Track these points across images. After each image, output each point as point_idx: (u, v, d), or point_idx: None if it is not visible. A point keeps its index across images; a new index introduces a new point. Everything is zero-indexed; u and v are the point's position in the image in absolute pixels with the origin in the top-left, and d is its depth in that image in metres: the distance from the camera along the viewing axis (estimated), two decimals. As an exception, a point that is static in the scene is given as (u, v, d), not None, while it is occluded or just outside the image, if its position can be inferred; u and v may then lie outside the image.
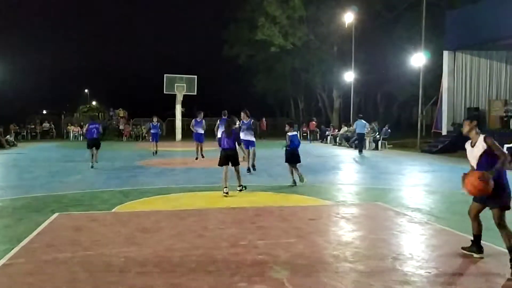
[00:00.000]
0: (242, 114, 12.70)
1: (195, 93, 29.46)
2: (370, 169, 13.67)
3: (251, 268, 4.40)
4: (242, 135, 11.42)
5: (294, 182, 9.65)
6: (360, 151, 18.61)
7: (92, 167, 13.18)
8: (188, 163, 15.20)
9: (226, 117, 12.93)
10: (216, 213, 6.98)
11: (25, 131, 32.47)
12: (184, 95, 30.00)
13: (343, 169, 14.09)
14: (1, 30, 37.16)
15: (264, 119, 33.72)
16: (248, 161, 11.69)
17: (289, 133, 9.85)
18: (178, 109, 29.73)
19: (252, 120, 12.51)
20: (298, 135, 11.70)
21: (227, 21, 39.61)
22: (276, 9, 32.30)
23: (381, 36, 32.77)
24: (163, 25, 55.78)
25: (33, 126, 33.83)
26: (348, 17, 29.35)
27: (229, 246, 5.17)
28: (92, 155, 13.48)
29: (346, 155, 18.70)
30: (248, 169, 11.70)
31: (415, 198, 8.64)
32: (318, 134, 30.04)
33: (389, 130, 22.26)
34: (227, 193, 8.38)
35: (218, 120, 14.72)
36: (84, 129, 15.21)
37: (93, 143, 13.67)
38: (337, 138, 25.44)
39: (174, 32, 52.98)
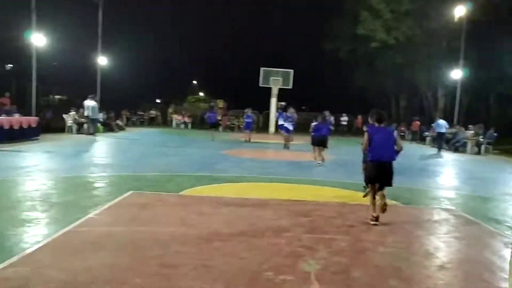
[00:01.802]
0: (291, 109, 18.71)
1: (291, 87, 29.58)
2: (461, 174, 12.72)
3: (284, 259, 4.41)
4: (286, 124, 17.78)
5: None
6: (439, 150, 19.42)
7: (212, 140, 19.94)
8: (271, 154, 15.45)
9: (282, 111, 19.61)
10: (275, 204, 7.02)
11: (135, 117, 35.29)
12: (283, 89, 30.32)
13: (429, 171, 13.22)
14: (124, 24, 40.59)
15: (360, 116, 32.72)
16: (287, 143, 17.47)
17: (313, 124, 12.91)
18: (273, 102, 30.09)
19: (295, 115, 18.98)
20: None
21: (328, 14, 39.10)
22: (379, 2, 31.12)
23: (497, 32, 29.94)
24: (264, 18, 56.58)
25: (142, 113, 36.62)
26: (459, 11, 27.29)
27: (272, 235, 5.21)
28: (212, 134, 20.88)
29: (440, 158, 17.54)
30: (285, 146, 17.53)
31: (500, 208, 7.88)
32: (418, 135, 28.51)
33: (495, 134, 20.39)
34: (319, 163, 12.00)
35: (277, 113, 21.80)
36: (205, 116, 22.67)
37: (212, 126, 21.35)
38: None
39: (275, 26, 53.51)
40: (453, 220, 6.63)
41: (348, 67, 40.01)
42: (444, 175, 12.75)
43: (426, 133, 26.46)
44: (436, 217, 6.80)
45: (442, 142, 20.08)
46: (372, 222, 5.87)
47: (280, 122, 19.51)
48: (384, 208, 5.93)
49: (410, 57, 33.86)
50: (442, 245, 5.29)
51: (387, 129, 6.27)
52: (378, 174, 6.00)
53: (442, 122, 20.15)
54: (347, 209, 6.86)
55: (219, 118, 32.43)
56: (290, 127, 17.76)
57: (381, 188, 6.08)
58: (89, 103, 20.26)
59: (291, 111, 18.42)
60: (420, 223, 6.37)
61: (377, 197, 6.03)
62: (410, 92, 40.41)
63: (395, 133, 6.33)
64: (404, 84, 39.09)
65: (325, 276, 4.01)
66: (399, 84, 39.27)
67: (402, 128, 31.61)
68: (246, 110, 21.94)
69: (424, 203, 8.05)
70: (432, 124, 20.78)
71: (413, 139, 28.36)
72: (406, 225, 6.11)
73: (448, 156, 18.42)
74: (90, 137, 19.87)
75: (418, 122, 29.31)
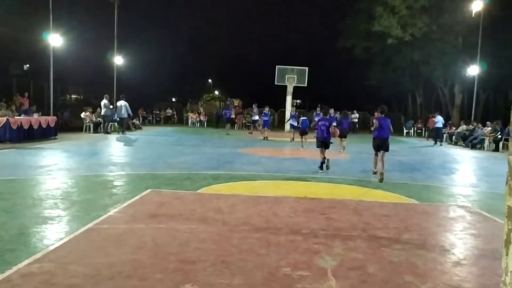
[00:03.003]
0: (320, 109, 20.16)
1: (305, 85, 29.60)
2: (478, 171, 12.64)
3: (301, 255, 4.49)
4: (291, 121, 20.84)
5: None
6: (435, 143, 22.72)
7: (227, 134, 23.26)
8: (287, 152, 15.49)
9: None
10: (292, 202, 7.10)
11: (151, 116, 35.66)
12: (299, 87, 30.31)
13: (446, 168, 13.13)
14: (140, 24, 40.85)
15: (376, 113, 32.50)
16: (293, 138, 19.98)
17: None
18: (289, 100, 30.12)
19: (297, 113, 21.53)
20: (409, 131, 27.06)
21: (343, 12, 38.86)
22: (395, -2, 30.89)
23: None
24: (279, 17, 56.40)
25: (158, 112, 36.98)
26: (476, 5, 26.94)
27: (289, 233, 5.29)
28: (228, 128, 24.22)
29: (457, 155, 17.41)
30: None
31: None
32: (434, 132, 28.19)
33: (513, 130, 20.13)
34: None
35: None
36: (222, 113, 27.01)
37: (227, 121, 24.92)
38: (453, 137, 23.69)
39: (290, 24, 53.32)
40: (469, 217, 6.64)
41: (363, 65, 39.75)
42: (461, 172, 12.66)
43: (443, 130, 26.18)
44: (452, 214, 6.81)
45: (439, 136, 23.31)
46: (374, 175, 9.86)
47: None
48: (382, 167, 9.51)
49: (426, 54, 33.54)
50: (458, 241, 5.31)
51: (387, 119, 9.96)
52: (379, 145, 9.78)
53: (439, 118, 23.22)
54: (363, 207, 6.90)
55: (233, 116, 32.76)
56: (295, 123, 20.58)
57: (382, 154, 9.68)
58: (121, 102, 21.44)
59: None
60: (436, 220, 6.40)
61: (379, 162, 9.71)
62: (426, 89, 40.01)
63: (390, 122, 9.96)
64: (420, 81, 38.73)
65: (341, 272, 4.07)
66: (416, 81, 38.91)
67: (419, 125, 31.35)
68: (264, 109, 22.32)
69: (440, 200, 8.04)
70: (434, 120, 23.66)
71: (429, 136, 28.09)
72: (422, 222, 6.14)
73: (465, 153, 18.31)
74: (107, 135, 20.20)
75: (434, 119, 28.93)
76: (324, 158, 10.68)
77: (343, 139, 15.69)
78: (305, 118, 18.32)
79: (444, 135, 25.44)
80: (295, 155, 14.62)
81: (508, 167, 2.06)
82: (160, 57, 45.68)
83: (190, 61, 51.23)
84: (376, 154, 9.85)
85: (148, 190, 7.52)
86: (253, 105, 26.25)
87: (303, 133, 17.52)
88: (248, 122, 34.09)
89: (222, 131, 25.85)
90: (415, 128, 31.34)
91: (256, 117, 25.59)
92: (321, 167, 10.62)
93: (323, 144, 10.73)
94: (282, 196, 7.56)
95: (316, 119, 21.01)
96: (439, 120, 23.14)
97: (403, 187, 9.00)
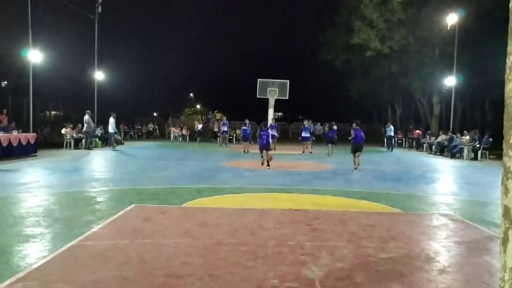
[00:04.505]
0: (306, 121, 23.03)
1: (287, 98, 29.74)
2: (458, 179, 12.85)
3: (288, 267, 4.49)
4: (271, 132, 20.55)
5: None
6: (389, 149, 25.63)
7: (198, 146, 24.71)
8: (270, 165, 15.51)
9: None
10: (277, 213, 7.11)
11: (132, 131, 35.36)
12: (281, 100, 30.43)
13: (427, 178, 13.33)
14: (120, 39, 40.82)
15: (353, 125, 32.90)
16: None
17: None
18: (270, 113, 30.20)
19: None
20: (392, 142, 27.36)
21: (324, 25, 39.47)
22: (373, 12, 31.49)
23: (489, 37, 30.27)
24: (261, 30, 56.96)
25: (140, 127, 36.70)
26: (451, 18, 27.63)
27: (275, 245, 5.29)
28: (198, 141, 26.20)
29: (437, 164, 17.68)
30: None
31: (497, 212, 7.96)
32: (414, 142, 28.59)
33: (490, 139, 20.54)
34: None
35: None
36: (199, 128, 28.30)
37: (198, 135, 27.41)
38: (433, 146, 24.08)
39: (271, 37, 53.92)
40: (452, 225, 6.74)
41: (344, 77, 40.34)
42: (442, 181, 12.85)
43: (423, 140, 26.66)
44: (435, 223, 6.91)
45: (392, 142, 26.59)
46: (354, 170, 13.24)
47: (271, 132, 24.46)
48: (358, 163, 13.61)
49: (404, 66, 34.18)
50: (442, 249, 5.38)
51: (360, 129, 13.67)
52: (356, 148, 13.50)
53: (391, 127, 26.76)
54: (348, 217, 6.94)
55: (216, 130, 32.78)
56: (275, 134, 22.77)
57: (358, 155, 13.61)
58: (111, 120, 22.43)
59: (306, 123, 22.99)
60: (420, 229, 6.48)
61: (356, 159, 13.57)
62: (405, 100, 40.70)
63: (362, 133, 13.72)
64: (399, 92, 39.39)
65: (329, 283, 4.09)
66: (395, 92, 39.57)
67: (400, 136, 31.73)
68: (244, 122, 22.58)
69: (423, 209, 8.15)
70: (385, 128, 27.51)
71: (410, 146, 28.49)
72: (406, 231, 6.21)
73: (445, 163, 18.59)
74: (89, 151, 19.97)
75: (418, 132, 29.04)
76: (262, 156, 14.37)
77: (330, 145, 19.97)
78: (246, 128, 22.59)
79: (424, 145, 25.90)
80: (278, 167, 14.65)
81: (503, 168, 2.13)
82: (141, 73, 45.60)
83: (172, 76, 51.19)
84: (354, 155, 13.58)
85: (132, 205, 7.45)
86: (224, 118, 29.37)
87: (245, 140, 22.07)
88: (230, 136, 34.12)
89: (204, 145, 25.95)
90: (396, 139, 31.69)
91: (225, 128, 27.60)
92: (262, 163, 14.33)
93: (264, 148, 14.34)
94: (267, 208, 7.56)
95: (304, 134, 21.83)
96: (391, 129, 26.51)
97: (386, 197, 9.10)
